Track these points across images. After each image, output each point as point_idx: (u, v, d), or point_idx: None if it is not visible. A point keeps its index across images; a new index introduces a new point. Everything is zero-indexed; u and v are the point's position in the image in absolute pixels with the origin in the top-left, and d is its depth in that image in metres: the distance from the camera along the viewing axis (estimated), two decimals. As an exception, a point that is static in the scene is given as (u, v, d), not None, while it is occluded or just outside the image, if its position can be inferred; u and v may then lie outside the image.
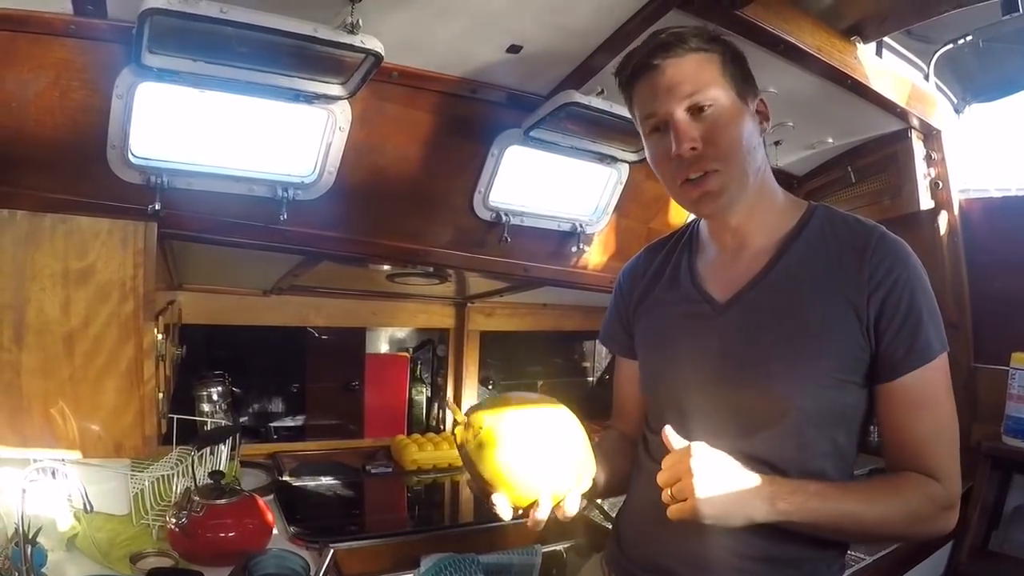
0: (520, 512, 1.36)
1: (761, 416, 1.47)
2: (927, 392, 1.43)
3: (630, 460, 1.77)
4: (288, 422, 3.67)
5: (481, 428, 1.33)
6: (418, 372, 4.02)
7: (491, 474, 1.32)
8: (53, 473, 1.95)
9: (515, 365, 4.29)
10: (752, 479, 1.34)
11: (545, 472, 1.33)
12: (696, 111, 1.46)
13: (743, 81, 1.51)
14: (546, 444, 1.35)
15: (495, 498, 1.34)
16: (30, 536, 1.86)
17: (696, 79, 1.45)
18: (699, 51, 1.47)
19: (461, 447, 1.38)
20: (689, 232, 1.75)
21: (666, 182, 1.56)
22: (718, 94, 1.46)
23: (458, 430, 1.39)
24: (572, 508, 1.40)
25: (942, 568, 2.85)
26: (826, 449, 1.48)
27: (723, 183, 1.48)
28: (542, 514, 1.35)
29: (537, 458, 1.33)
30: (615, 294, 1.88)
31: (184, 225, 2.20)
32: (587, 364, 4.56)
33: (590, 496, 1.60)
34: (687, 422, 1.50)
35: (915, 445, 1.44)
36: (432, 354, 4.08)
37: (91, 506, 1.93)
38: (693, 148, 1.45)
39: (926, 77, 2.91)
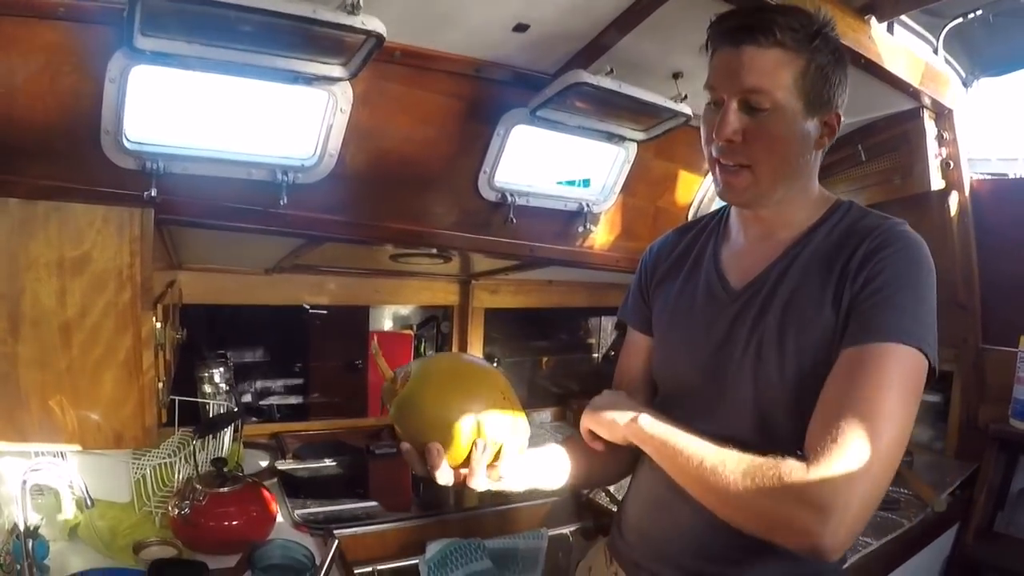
0: (457, 468, 1.38)
1: (754, 404, 1.47)
2: (863, 372, 1.29)
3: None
4: (291, 401, 3.66)
5: (408, 378, 1.36)
6: (422, 349, 3.99)
7: (420, 422, 1.35)
8: (54, 464, 1.92)
9: (520, 341, 4.28)
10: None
11: (472, 415, 1.34)
12: (751, 107, 1.42)
13: (818, 96, 1.44)
14: (471, 387, 1.38)
15: (428, 447, 1.35)
16: (31, 529, 1.84)
17: (765, 77, 1.40)
18: (784, 49, 1.40)
19: (392, 402, 1.41)
20: (720, 217, 1.74)
21: (706, 152, 1.53)
22: (781, 99, 1.41)
23: (386, 385, 1.42)
24: (508, 464, 1.43)
25: (948, 550, 2.86)
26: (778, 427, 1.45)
27: (751, 181, 1.47)
28: (477, 465, 1.38)
29: (462, 400, 1.35)
30: (639, 270, 1.87)
31: (181, 211, 2.16)
32: (592, 341, 4.54)
33: (591, 474, 1.74)
34: (689, 404, 1.56)
35: (820, 417, 1.30)
36: (436, 331, 4.05)
37: (91, 501, 1.91)
38: (731, 140, 1.44)
39: (935, 51, 2.88)
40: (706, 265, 1.66)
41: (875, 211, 1.52)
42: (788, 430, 1.39)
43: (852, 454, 1.22)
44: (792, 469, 1.23)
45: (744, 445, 1.34)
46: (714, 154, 1.48)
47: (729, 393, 1.50)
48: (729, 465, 1.29)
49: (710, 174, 1.57)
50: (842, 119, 1.50)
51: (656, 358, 1.74)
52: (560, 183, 2.98)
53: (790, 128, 1.43)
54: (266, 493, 2.33)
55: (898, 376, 1.28)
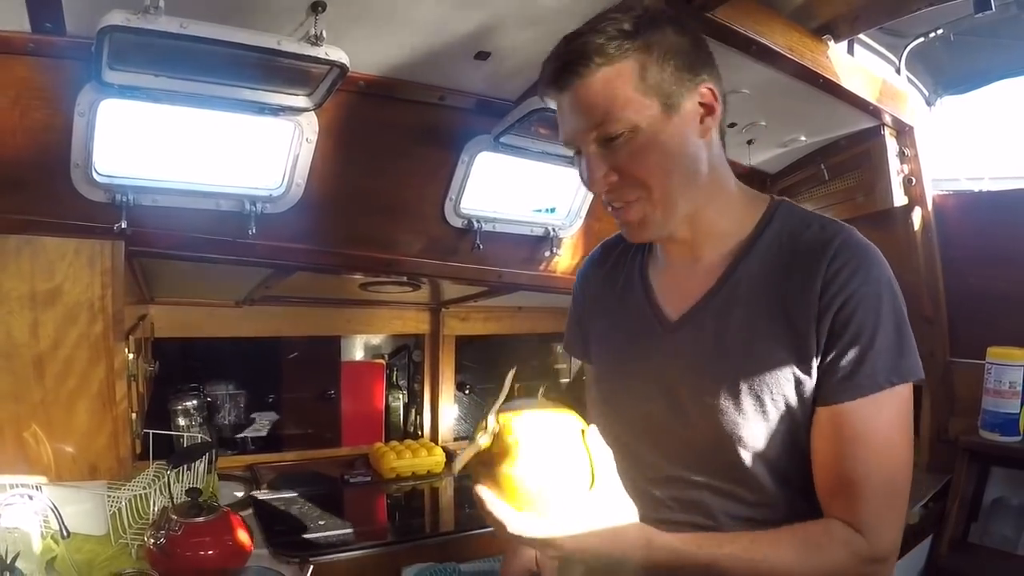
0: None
1: (711, 451, 1.35)
2: (866, 428, 1.23)
3: None
4: (265, 432, 3.65)
5: (506, 435, 1.21)
6: (394, 378, 4.00)
7: (504, 485, 1.27)
8: (30, 497, 1.93)
9: (491, 369, 4.29)
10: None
11: (555, 495, 1.24)
12: (608, 140, 1.28)
13: (672, 85, 1.28)
14: (564, 471, 1.22)
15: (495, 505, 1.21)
16: (8, 561, 1.84)
17: (604, 104, 1.26)
18: (609, 63, 1.25)
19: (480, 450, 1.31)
20: None
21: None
22: (633, 115, 1.26)
23: (480, 432, 1.32)
24: None
25: (922, 561, 2.87)
26: (779, 487, 1.34)
27: (644, 212, 1.34)
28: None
29: (551, 483, 1.21)
30: (573, 297, 1.78)
31: (152, 242, 2.18)
32: (563, 366, 4.55)
33: None
34: (640, 447, 1.44)
35: (843, 486, 1.25)
36: (408, 360, 4.06)
37: (67, 532, 1.91)
38: (609, 183, 1.33)
39: (898, 71, 2.93)
40: (636, 291, 1.54)
41: (812, 213, 1.40)
42: (759, 467, 1.32)
43: (895, 510, 1.27)
44: (859, 548, 1.22)
45: (717, 490, 1.35)
46: (604, 201, 1.38)
47: (690, 434, 1.37)
48: (793, 568, 1.22)
49: None
50: (719, 90, 1.34)
51: (600, 391, 1.59)
52: (537, 211, 3.01)
53: (657, 137, 1.28)
54: (241, 522, 2.33)
55: (899, 418, 1.26)
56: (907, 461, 1.28)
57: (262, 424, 3.66)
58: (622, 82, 1.25)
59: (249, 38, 1.68)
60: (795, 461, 1.31)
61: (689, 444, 1.38)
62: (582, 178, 1.37)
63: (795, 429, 1.30)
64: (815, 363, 1.26)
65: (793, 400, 1.28)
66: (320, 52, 1.74)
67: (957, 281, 3.05)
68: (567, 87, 1.29)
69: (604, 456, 1.21)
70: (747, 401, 1.29)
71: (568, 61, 1.27)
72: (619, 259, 1.62)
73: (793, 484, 1.33)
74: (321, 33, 1.72)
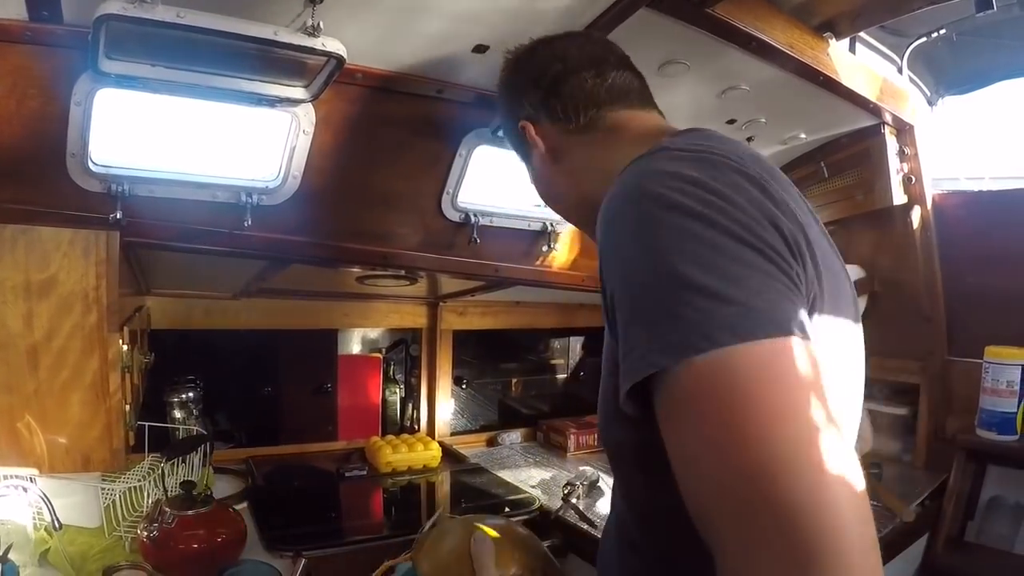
0: None
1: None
2: (667, 435, 0.87)
3: None
4: (261, 425, 3.64)
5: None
6: (391, 372, 4.00)
7: None
8: (23, 489, 1.92)
9: (488, 363, 4.29)
10: None
11: None
12: None
13: (516, 142, 1.53)
14: None
15: None
16: (1, 553, 1.84)
17: None
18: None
19: None
20: None
21: None
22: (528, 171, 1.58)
23: None
24: None
25: (918, 560, 2.88)
26: (623, 500, 1.23)
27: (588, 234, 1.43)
28: None
29: None
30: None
31: (147, 233, 2.17)
32: (560, 361, 4.55)
33: None
34: None
35: (689, 509, 0.85)
36: (405, 354, 4.06)
37: (60, 524, 1.91)
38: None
39: (899, 70, 2.93)
40: None
41: (655, 156, 1.06)
42: (620, 480, 1.26)
43: (734, 521, 0.81)
44: None
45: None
46: None
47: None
48: None
49: None
50: (526, 122, 1.49)
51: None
52: (538, 205, 3.00)
53: (534, 180, 1.57)
54: (235, 515, 2.33)
55: (695, 400, 0.85)
56: (734, 461, 0.80)
57: (258, 417, 3.65)
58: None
59: (246, 28, 1.67)
60: (635, 468, 1.16)
61: None
62: None
63: (620, 424, 1.07)
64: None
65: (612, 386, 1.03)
66: (317, 43, 1.73)
67: (955, 280, 3.06)
68: None
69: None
70: (604, 399, 1.12)
71: None
72: None
73: (633, 495, 1.21)
74: (318, 24, 1.71)
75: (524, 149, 1.49)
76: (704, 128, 1.25)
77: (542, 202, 1.60)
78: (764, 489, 0.76)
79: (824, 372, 0.86)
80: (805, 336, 0.86)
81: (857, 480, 0.79)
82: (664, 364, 0.85)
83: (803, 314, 0.89)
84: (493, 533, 1.69)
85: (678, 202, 0.91)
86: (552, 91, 1.44)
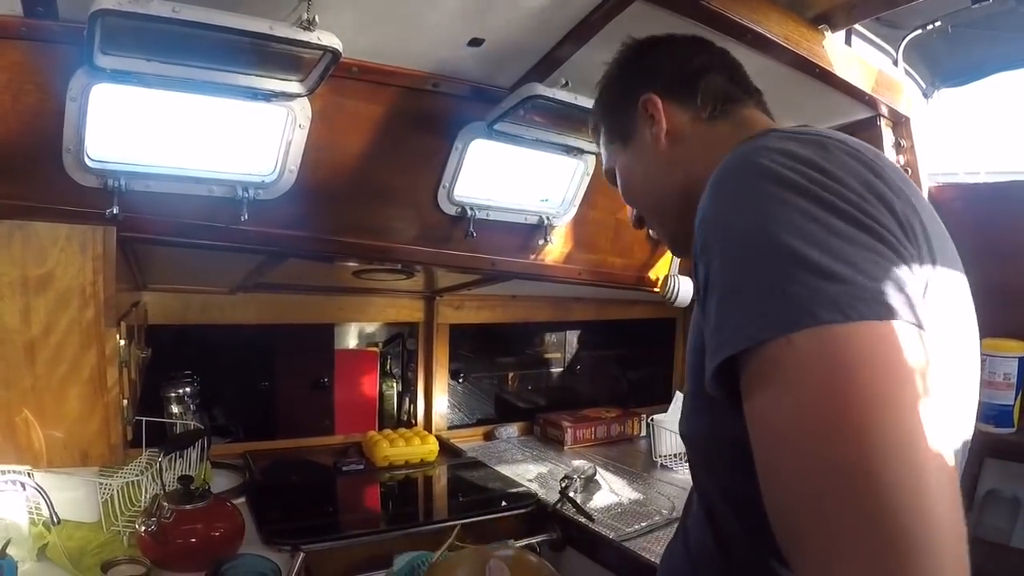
0: None
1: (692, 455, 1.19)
2: (752, 415, 0.81)
3: None
4: (258, 420, 3.64)
5: None
6: (388, 367, 3.99)
7: None
8: (22, 484, 1.93)
9: (485, 357, 4.29)
10: None
11: None
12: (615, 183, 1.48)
13: (619, 120, 1.41)
14: None
15: None
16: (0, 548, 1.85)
17: (604, 157, 1.51)
18: (594, 131, 1.53)
19: None
20: None
21: None
22: (609, 163, 1.47)
23: None
24: None
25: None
26: (719, 500, 1.09)
27: (658, 234, 1.47)
28: None
29: None
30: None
31: (144, 228, 2.17)
32: (557, 355, 4.55)
33: None
34: None
35: (778, 527, 0.78)
36: (402, 348, 4.06)
37: (58, 518, 1.91)
38: (633, 216, 1.50)
39: (895, 63, 2.93)
40: None
41: (767, 137, 0.98)
42: (706, 482, 1.14)
43: (824, 531, 0.74)
44: None
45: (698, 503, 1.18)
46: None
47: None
48: None
49: None
50: (662, 93, 1.34)
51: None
52: (543, 200, 3.00)
53: (626, 169, 1.42)
54: (233, 509, 2.34)
55: (792, 388, 0.77)
56: (842, 462, 0.72)
57: (255, 411, 3.65)
58: (602, 139, 1.50)
59: (241, 23, 1.67)
60: (727, 468, 1.04)
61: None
62: None
63: (711, 418, 1.03)
64: None
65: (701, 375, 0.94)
66: (313, 37, 1.73)
67: (952, 273, 3.05)
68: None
69: None
70: (691, 391, 1.10)
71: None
72: None
73: (731, 495, 1.06)
74: (314, 18, 1.71)
75: (625, 128, 1.37)
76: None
77: (624, 193, 1.46)
78: (859, 485, 0.69)
79: (936, 363, 0.78)
80: (918, 322, 0.78)
81: (956, 489, 0.73)
82: (761, 338, 0.78)
83: (916, 299, 0.81)
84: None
85: (789, 178, 0.86)
86: (696, 75, 1.36)
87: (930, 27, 2.85)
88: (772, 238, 0.82)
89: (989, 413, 2.79)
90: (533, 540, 2.75)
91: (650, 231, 1.47)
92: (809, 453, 0.73)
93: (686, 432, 1.12)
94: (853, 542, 0.68)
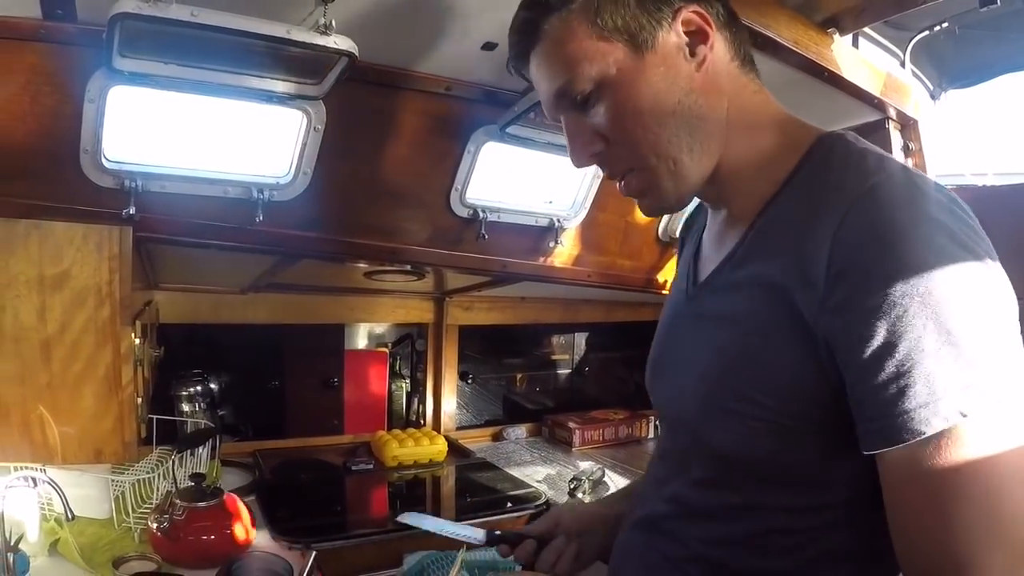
0: None
1: (698, 438, 1.18)
2: (930, 477, 0.89)
3: None
4: (268, 420, 3.66)
5: None
6: (397, 367, 4.01)
7: None
8: (34, 480, 1.94)
9: (494, 359, 4.31)
10: None
11: None
12: (583, 102, 1.13)
13: (639, 11, 1.09)
14: None
15: None
16: (12, 543, 1.86)
17: (563, 63, 1.11)
18: (557, 13, 1.10)
19: None
20: None
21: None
22: (595, 68, 1.09)
23: None
24: None
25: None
26: (780, 523, 1.10)
27: (646, 183, 1.16)
28: None
29: None
30: None
31: (159, 228, 2.19)
32: (566, 357, 4.57)
33: None
34: (663, 434, 1.40)
35: (923, 548, 0.92)
36: (411, 349, 4.08)
37: (72, 514, 1.92)
38: (595, 153, 1.17)
39: (902, 64, 2.92)
40: (691, 247, 1.38)
41: (866, 147, 1.08)
42: (761, 500, 1.11)
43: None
44: None
45: (723, 516, 1.16)
46: (605, 176, 1.27)
47: (699, 437, 1.18)
48: None
49: None
50: (710, 8, 1.14)
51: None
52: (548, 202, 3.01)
53: (633, 84, 1.09)
54: (244, 507, 2.35)
55: (979, 458, 0.88)
56: (1006, 515, 0.88)
57: (265, 411, 3.67)
58: (575, 32, 1.10)
59: (259, 27, 1.68)
60: (778, 463, 1.08)
61: (687, 429, 1.22)
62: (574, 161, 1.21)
63: (790, 445, 1.05)
64: (821, 364, 0.98)
65: (793, 406, 1.03)
66: (329, 41, 1.74)
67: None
68: (527, 54, 1.16)
69: None
70: (736, 389, 1.08)
71: (519, 26, 1.16)
72: (699, 218, 1.44)
73: (772, 483, 1.10)
74: (330, 22, 1.73)
75: (642, 31, 1.08)
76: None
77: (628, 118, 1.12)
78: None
79: None
80: None
81: None
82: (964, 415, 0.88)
83: None
84: None
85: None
86: (735, 16, 1.22)
87: (937, 28, 2.84)
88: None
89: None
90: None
91: (619, 178, 1.20)
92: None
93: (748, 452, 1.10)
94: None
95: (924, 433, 0.88)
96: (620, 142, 1.14)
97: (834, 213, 0.96)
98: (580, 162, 1.19)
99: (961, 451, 0.88)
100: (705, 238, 1.33)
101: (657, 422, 3.63)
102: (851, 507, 1.06)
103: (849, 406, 0.97)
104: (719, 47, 1.14)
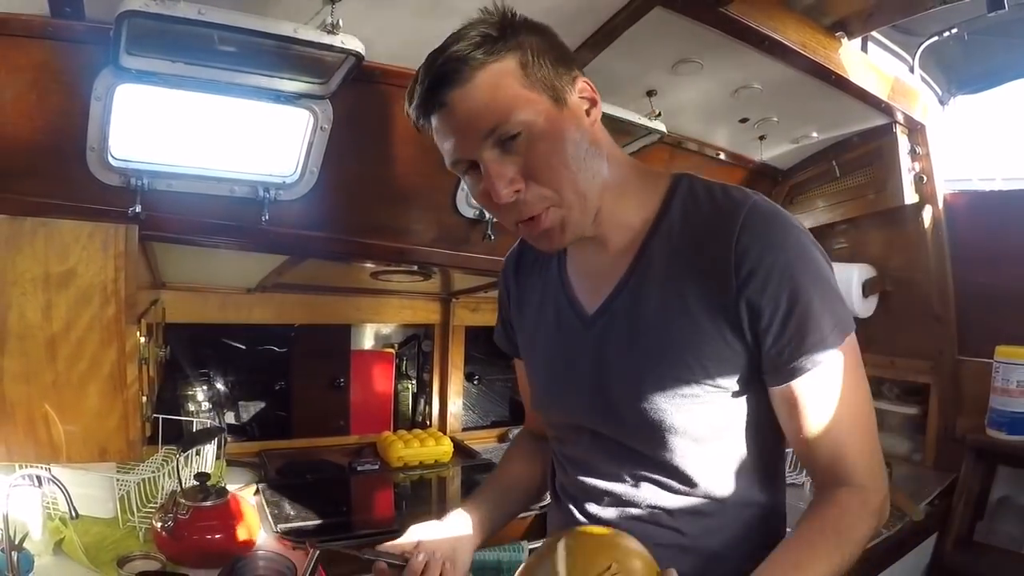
0: None
1: (643, 443, 1.36)
2: (833, 391, 1.27)
3: (544, 464, 1.74)
4: (274, 419, 3.66)
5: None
6: (404, 368, 4.02)
7: None
8: (38, 478, 1.94)
9: (500, 360, 4.29)
10: None
11: None
12: (506, 143, 1.21)
13: (555, 74, 1.23)
14: None
15: None
16: (16, 542, 1.85)
17: (493, 105, 1.19)
18: (489, 64, 1.19)
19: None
20: None
21: (500, 220, 1.35)
22: (526, 112, 1.20)
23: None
24: None
25: (927, 559, 2.88)
26: (731, 468, 1.37)
27: (561, 217, 1.28)
28: None
29: None
30: (499, 296, 1.77)
31: (165, 227, 2.19)
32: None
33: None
34: (574, 447, 1.50)
35: (834, 455, 1.29)
36: (418, 350, 4.07)
37: (76, 513, 1.92)
38: (516, 191, 1.24)
39: (911, 69, 2.92)
40: (554, 284, 1.52)
41: (712, 182, 1.36)
42: (690, 453, 1.34)
43: (876, 451, 1.33)
44: (871, 503, 1.29)
45: (652, 482, 1.38)
46: (506, 217, 1.31)
47: (621, 429, 1.39)
48: (843, 561, 1.22)
49: None
50: (588, 81, 1.31)
51: (533, 393, 1.63)
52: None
53: (556, 131, 1.22)
54: (249, 507, 2.35)
55: (852, 363, 1.29)
56: (869, 397, 1.34)
57: (271, 411, 3.67)
58: (506, 81, 1.20)
59: (266, 25, 1.68)
60: (724, 442, 1.36)
61: (620, 439, 1.41)
62: (476, 196, 1.31)
63: (726, 407, 1.34)
64: (743, 339, 1.27)
65: (722, 378, 1.30)
66: (336, 40, 1.74)
67: (966, 280, 3.05)
68: (445, 102, 1.21)
69: None
70: (671, 385, 1.31)
71: (442, 74, 1.20)
72: (539, 256, 1.58)
73: (722, 466, 1.37)
74: (338, 22, 1.73)
75: (561, 90, 1.23)
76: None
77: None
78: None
79: None
80: None
81: None
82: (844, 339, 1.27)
83: None
84: None
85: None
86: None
87: (946, 34, 2.84)
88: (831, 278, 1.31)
89: (1001, 420, 2.79)
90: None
91: (518, 219, 1.29)
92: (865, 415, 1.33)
93: (684, 424, 1.34)
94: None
95: (820, 363, 1.25)
96: (545, 182, 1.25)
97: (727, 231, 1.25)
98: (501, 199, 1.24)
99: (839, 371, 1.27)
100: (574, 273, 1.51)
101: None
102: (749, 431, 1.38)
103: (758, 362, 1.29)
104: (595, 112, 1.32)
